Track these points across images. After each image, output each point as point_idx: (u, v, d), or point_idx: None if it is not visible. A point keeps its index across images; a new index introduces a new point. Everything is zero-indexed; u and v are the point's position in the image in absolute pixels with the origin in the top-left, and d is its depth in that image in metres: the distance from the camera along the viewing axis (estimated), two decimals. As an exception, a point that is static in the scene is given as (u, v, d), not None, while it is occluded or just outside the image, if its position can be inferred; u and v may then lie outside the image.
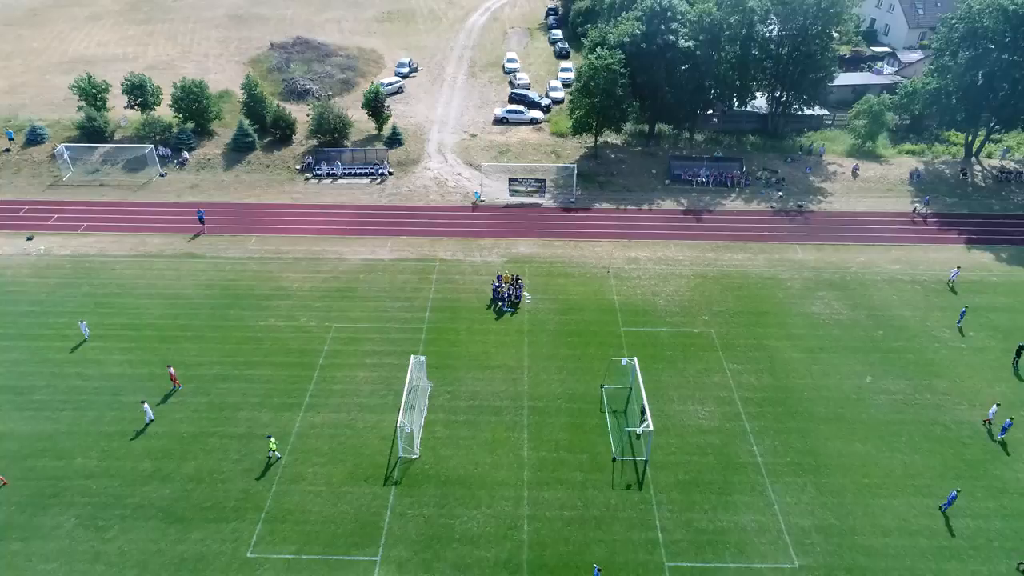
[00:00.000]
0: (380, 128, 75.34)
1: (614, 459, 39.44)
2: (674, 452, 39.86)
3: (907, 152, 73.89)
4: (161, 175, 69.34)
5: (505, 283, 52.41)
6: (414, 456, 39.58)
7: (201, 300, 52.11)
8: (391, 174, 69.62)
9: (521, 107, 79.82)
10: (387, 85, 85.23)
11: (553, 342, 48.06)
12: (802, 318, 50.49)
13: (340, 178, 69.22)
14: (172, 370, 43.92)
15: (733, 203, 65.83)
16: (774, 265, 56.56)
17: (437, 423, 41.80)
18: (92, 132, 72.03)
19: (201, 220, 60.27)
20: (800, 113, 76.78)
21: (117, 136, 73.84)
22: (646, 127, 76.70)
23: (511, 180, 64.91)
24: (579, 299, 52.30)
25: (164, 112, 74.36)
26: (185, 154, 71.03)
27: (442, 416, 42.27)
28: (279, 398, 43.66)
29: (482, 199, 65.35)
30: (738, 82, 72.31)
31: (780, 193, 66.83)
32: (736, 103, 74.25)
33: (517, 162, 70.12)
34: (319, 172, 69.33)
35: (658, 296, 52.66)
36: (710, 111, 78.78)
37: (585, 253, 57.87)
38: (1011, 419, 40.50)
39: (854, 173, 69.86)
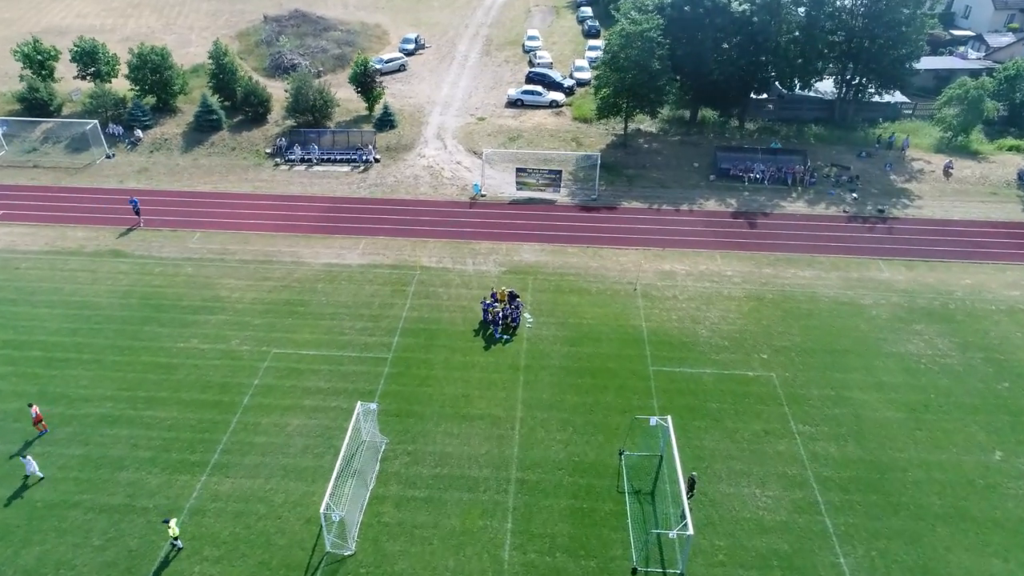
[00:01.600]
0: (371, 108, 63.82)
1: (635, 571, 27.10)
2: (722, 562, 27.38)
3: (1010, 148, 60.10)
4: (108, 156, 58.67)
5: (500, 301, 40.38)
6: (347, 553, 27.69)
7: (113, 311, 40.87)
8: (377, 161, 57.98)
9: (539, 88, 67.66)
10: (387, 61, 74.17)
11: (557, 384, 35.84)
12: (895, 361, 37.51)
13: (316, 164, 57.80)
14: (35, 409, 32.58)
15: (794, 205, 52.83)
16: (852, 286, 43.57)
17: (387, 500, 29.85)
18: (35, 105, 61.62)
19: (136, 211, 49.18)
20: (874, 100, 63.38)
21: (67, 111, 63.38)
22: (687, 112, 64.04)
23: (519, 171, 52.78)
24: (595, 325, 39.98)
25: (123, 85, 63.73)
26: (138, 133, 60.25)
27: (395, 490, 30.31)
28: (179, 453, 32.09)
29: (483, 193, 53.32)
30: (800, 59, 59.17)
31: (854, 194, 53.68)
32: (798, 85, 61.10)
33: (529, 149, 57.99)
34: (292, 157, 57.99)
35: (700, 324, 40.11)
36: (764, 95, 65.79)
37: (606, 263, 45.50)
38: None
39: (946, 172, 56.39)
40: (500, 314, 39.35)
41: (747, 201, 53.11)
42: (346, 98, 65.05)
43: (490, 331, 39.42)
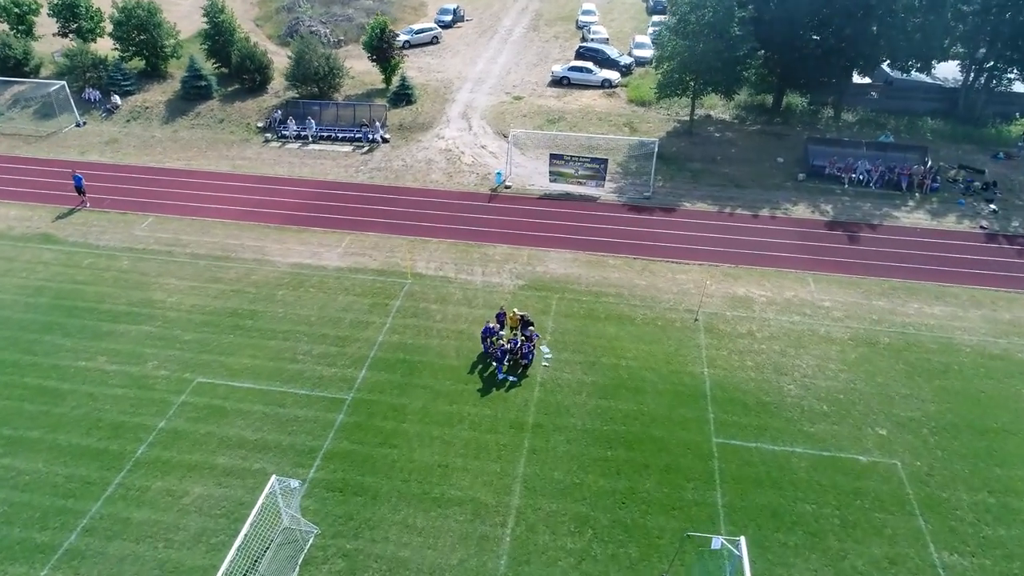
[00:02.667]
0: (387, 80, 53.84)
1: None
2: None
3: None
4: (78, 125, 50.24)
5: (511, 328, 29.66)
6: None
7: (13, 313, 31.74)
8: (385, 141, 47.88)
9: (590, 65, 56.50)
10: (417, 32, 64.46)
11: (576, 457, 24.93)
12: (1084, 452, 25.31)
13: (313, 142, 48.03)
14: None
15: (912, 216, 40.42)
16: (1003, 332, 31.25)
17: (296, 636, 19.49)
18: (7, 65, 53.69)
19: (79, 188, 40.19)
20: (1012, 90, 50.17)
21: (46, 73, 55.38)
22: (768, 97, 52.03)
23: (554, 158, 41.87)
24: (637, 368, 28.84)
25: (110, 45, 55.41)
26: (115, 99, 51.64)
27: (311, 619, 19.93)
28: (24, 528, 22.43)
29: (507, 184, 42.62)
30: (920, 34, 46.50)
31: (992, 206, 40.97)
32: (916, 67, 48.40)
33: (569, 132, 47.02)
34: (285, 133, 48.39)
35: (786, 376, 28.54)
36: (867, 79, 53.25)
37: (658, 282, 34.21)
38: None
39: (1117, 182, 43.10)
40: (506, 346, 28.59)
41: (848, 208, 40.94)
42: (364, 71, 55.35)
43: (492, 369, 28.72)
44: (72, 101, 50.33)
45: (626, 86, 55.54)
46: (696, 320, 31.52)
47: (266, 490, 20.95)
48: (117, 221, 39.13)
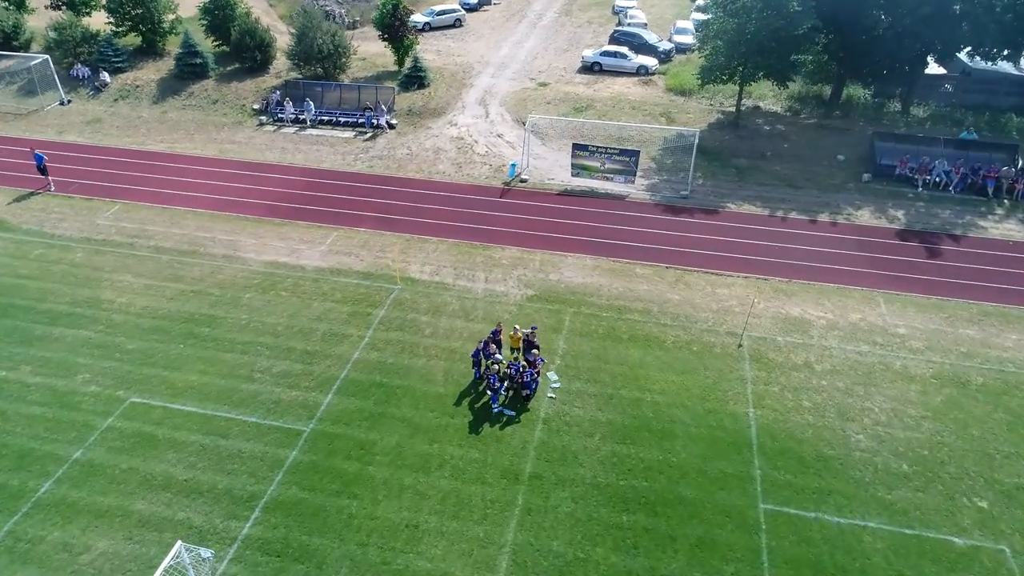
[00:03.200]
0: (400, 62, 48.89)
1: None
2: None
3: None
4: (63, 103, 46.21)
5: (513, 346, 24.30)
6: None
7: (-61, 310, 27.41)
8: (392, 127, 42.87)
9: (624, 49, 50.82)
10: (438, 14, 59.68)
11: (583, 522, 19.48)
12: None
13: (312, 126, 43.24)
14: None
15: (1002, 226, 34.01)
16: None
17: None
18: (-4, 38, 50.09)
19: (40, 169, 35.90)
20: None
21: (37, 47, 51.57)
22: (826, 88, 45.81)
23: (577, 148, 36.34)
24: (666, 406, 23.25)
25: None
26: (104, 76, 47.49)
27: None
28: None
29: (522, 177, 37.24)
30: (1010, 16, 39.90)
31: (1099, 216, 34.38)
32: (1003, 54, 41.79)
33: (597, 120, 41.46)
34: (282, 116, 43.67)
35: (854, 421, 22.68)
36: (942, 69, 46.73)
37: (695, 297, 28.51)
38: None
39: None
40: (501, 372, 23.23)
41: (923, 215, 34.69)
42: (377, 53, 50.57)
43: (485, 399, 23.40)
44: (57, 78, 46.30)
45: (664, 74, 49.76)
46: (740, 346, 25.79)
47: (167, 560, 15.93)
48: (80, 208, 34.70)
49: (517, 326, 24.58)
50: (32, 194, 35.81)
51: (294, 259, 30.71)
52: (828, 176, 37.59)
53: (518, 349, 24.11)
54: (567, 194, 35.93)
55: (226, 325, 26.84)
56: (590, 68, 50.67)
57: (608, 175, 35.88)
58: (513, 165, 37.52)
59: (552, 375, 24.38)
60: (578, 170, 36.25)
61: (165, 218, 33.77)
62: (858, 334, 26.47)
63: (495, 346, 23.77)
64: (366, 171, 38.14)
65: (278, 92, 45.11)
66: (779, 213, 34.47)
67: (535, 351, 23.41)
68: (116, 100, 46.50)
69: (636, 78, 49.16)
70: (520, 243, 31.86)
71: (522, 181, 36.89)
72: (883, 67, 42.44)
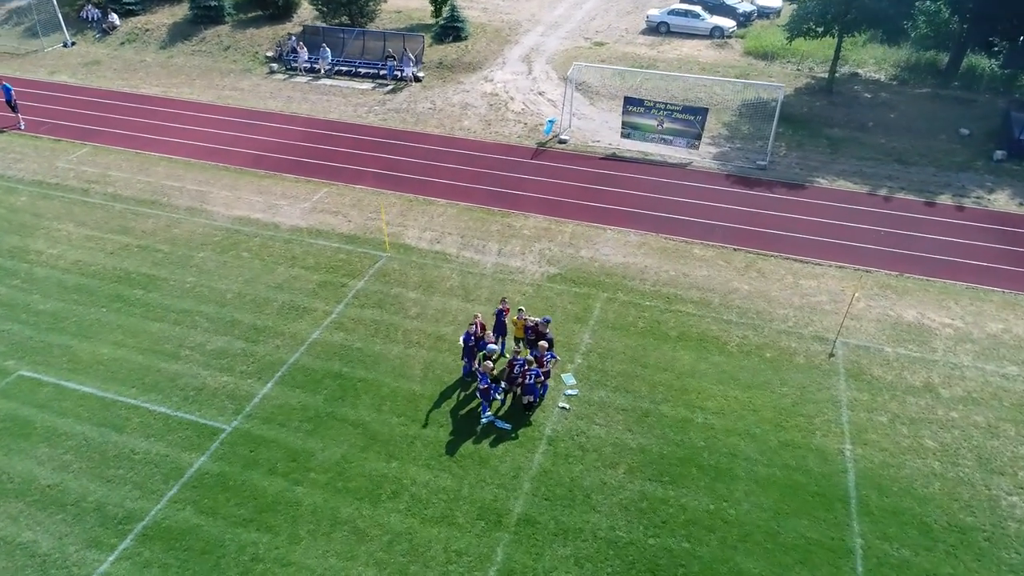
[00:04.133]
0: (437, 11, 43.02)
1: None
2: None
3: None
4: (66, 44, 42.04)
5: (516, 335, 17.90)
6: None
7: None
8: (417, 80, 36.96)
9: (697, 8, 43.73)
10: (490, -30, 53.21)
11: (586, 599, 13.05)
12: None
13: (327, 76, 37.71)
14: None
15: None
16: None
17: None
18: (10, -23, 46.46)
19: (9, 103, 31.34)
20: None
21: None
22: (943, 56, 37.73)
23: (629, 103, 29.53)
24: (724, 431, 16.48)
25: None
26: (113, 18, 43.14)
27: None
28: None
29: (560, 136, 30.73)
30: None
31: None
32: None
33: (654, 70, 34.66)
34: (295, 64, 38.30)
35: (1002, 475, 15.44)
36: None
37: (770, 288, 21.48)
38: None
39: None
40: (489, 381, 16.88)
41: (1076, 205, 26.71)
42: (415, 7, 44.87)
43: (475, 404, 17.10)
44: (60, 17, 42.09)
45: (743, 37, 42.46)
46: (832, 355, 18.78)
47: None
48: (45, 149, 29.92)
49: (523, 309, 18.15)
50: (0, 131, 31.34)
51: (269, 216, 25.04)
52: (948, 152, 29.82)
53: (522, 339, 17.72)
54: (614, 158, 29.27)
55: (165, 288, 21.30)
56: (655, 29, 43.74)
57: (666, 137, 29.05)
58: (550, 122, 31.08)
59: (568, 378, 17.92)
60: (629, 130, 29.53)
61: (134, 164, 28.65)
62: (1000, 350, 19.07)
63: (491, 333, 17.45)
64: (377, 124, 32.28)
65: (293, 38, 39.76)
66: (881, 191, 27.01)
67: (544, 343, 16.91)
68: (122, 44, 42.03)
69: (710, 40, 42.03)
70: (548, 211, 25.43)
71: (560, 142, 30.40)
72: (1013, 30, 34.26)
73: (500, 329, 18.21)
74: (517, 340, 17.91)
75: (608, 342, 19.17)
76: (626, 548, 13.91)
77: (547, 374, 16.82)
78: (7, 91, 30.93)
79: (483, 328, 17.54)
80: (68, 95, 35.16)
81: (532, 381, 16.50)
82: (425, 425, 16.63)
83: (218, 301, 20.74)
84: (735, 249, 23.37)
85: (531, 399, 16.85)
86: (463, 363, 17.87)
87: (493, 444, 16.17)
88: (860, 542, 14.06)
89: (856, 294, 19.62)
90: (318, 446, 16.07)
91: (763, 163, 28.72)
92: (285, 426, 16.59)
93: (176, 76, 37.84)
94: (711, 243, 23.67)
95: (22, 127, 31.46)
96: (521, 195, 26.44)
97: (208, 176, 27.72)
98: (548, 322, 17.58)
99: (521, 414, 16.89)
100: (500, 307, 18.29)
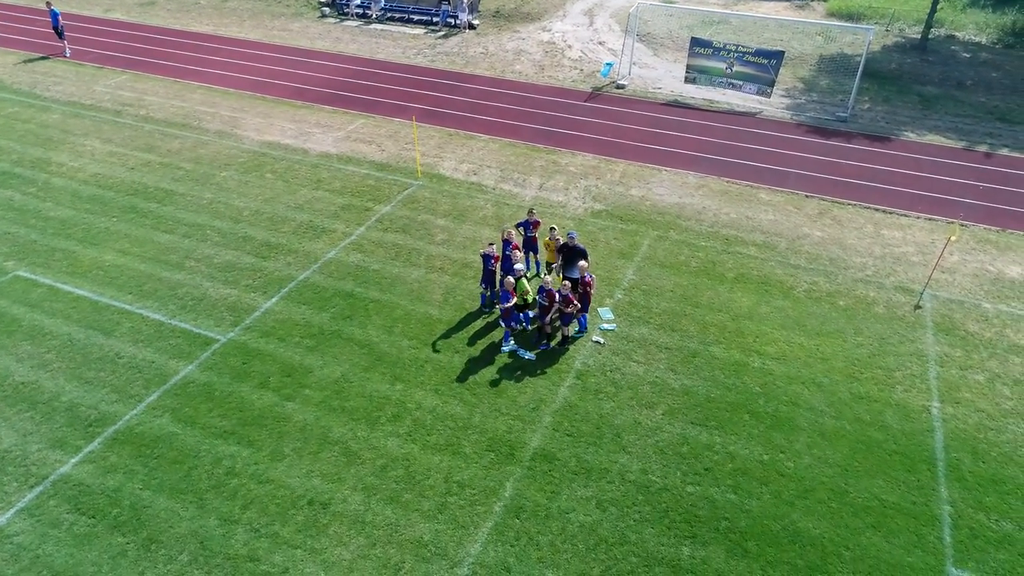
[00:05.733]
0: (498, -36, 41.06)
1: None
2: None
3: None
4: (126, -12, 41.74)
5: (549, 259, 15.80)
6: None
7: None
8: (472, 27, 35.11)
9: (777, -31, 40.61)
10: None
11: (606, 549, 10.86)
12: None
13: (379, 21, 36.21)
14: None
15: None
16: None
17: None
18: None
19: (58, 32, 30.78)
20: None
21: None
22: (1055, 20, 33.84)
23: (696, 44, 26.91)
24: (784, 378, 14.03)
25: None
26: (173, -37, 42.68)
27: None
28: None
29: (618, 81, 28.32)
30: None
31: None
32: None
33: (734, 32, 31.95)
34: (347, 8, 36.92)
35: None
36: None
37: (847, 236, 18.74)
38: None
39: None
40: (522, 293, 14.77)
41: None
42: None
43: (498, 333, 15.06)
44: (125, -42, 41.84)
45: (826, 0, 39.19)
46: (918, 307, 16.03)
47: None
48: (85, 75, 29.19)
49: (555, 228, 15.89)
50: (44, 58, 30.77)
51: (299, 142, 23.51)
52: (1057, 113, 26.30)
53: (555, 265, 15.55)
54: (675, 104, 26.75)
55: (181, 203, 19.94)
56: (730, -11, 40.84)
57: (735, 82, 26.39)
58: (608, 65, 28.78)
59: (606, 312, 15.69)
60: (695, 73, 26.97)
61: (171, 91, 27.61)
62: (1125, 314, 15.98)
63: (519, 251, 15.35)
64: (426, 64, 30.53)
65: (350, -16, 38.41)
66: (982, 148, 23.79)
67: (583, 263, 14.64)
68: (180, -13, 41.49)
69: (788, 2, 38.90)
70: (599, 150, 23.17)
71: (618, 87, 28.04)
72: None
73: (529, 245, 16.09)
74: (549, 266, 15.80)
75: (655, 279, 16.85)
76: (659, 494, 11.66)
77: (581, 305, 14.49)
78: (54, 16, 30.33)
79: (515, 247, 15.43)
80: (119, 30, 34.56)
81: (565, 312, 14.25)
82: (437, 350, 14.68)
83: (233, 217, 19.24)
84: (807, 196, 20.67)
85: (572, 333, 14.68)
86: (481, 289, 15.79)
87: (513, 374, 14.10)
88: (949, 509, 11.46)
89: (953, 237, 16.74)
90: (317, 363, 14.30)
91: (844, 115, 25.77)
92: (284, 341, 14.88)
93: (227, 17, 36.92)
94: (780, 188, 21.03)
95: (67, 55, 30.90)
96: (571, 134, 24.25)
97: (244, 104, 26.42)
98: (574, 237, 15.20)
99: (548, 342, 14.76)
100: (527, 219, 16.09)
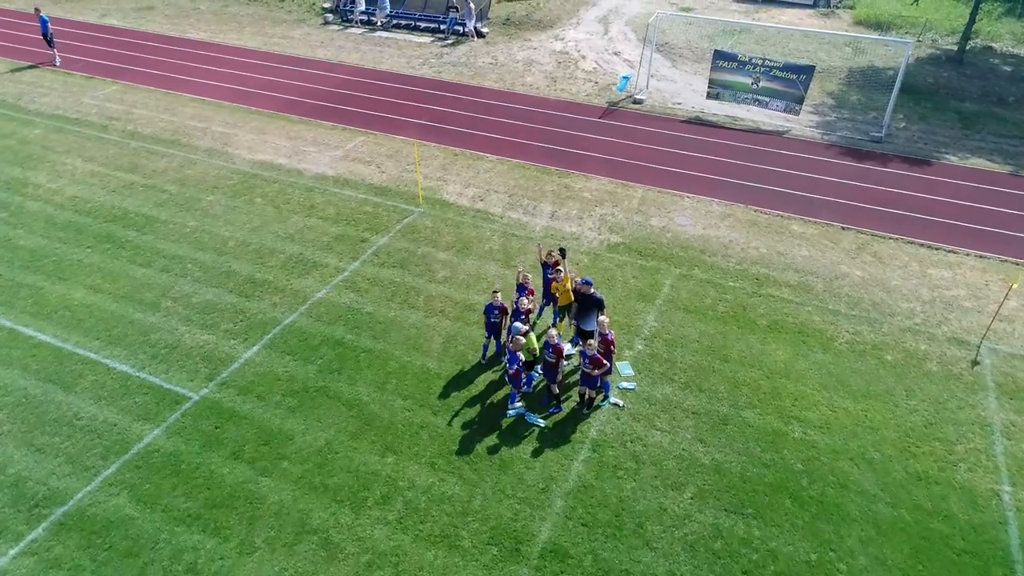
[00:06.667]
0: (509, -31, 39.40)
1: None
2: None
3: None
4: (123, -8, 40.34)
5: (561, 301, 14.08)
6: None
7: None
8: (480, 35, 33.45)
9: (801, -26, 38.80)
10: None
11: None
12: None
13: (384, 28, 34.60)
14: None
15: None
16: None
17: None
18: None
19: (46, 38, 29.33)
20: None
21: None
22: (1100, 30, 31.90)
23: (719, 57, 25.06)
24: (829, 452, 12.28)
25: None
26: (172, -35, 41.25)
27: None
28: None
29: (635, 96, 26.54)
30: None
31: None
32: None
33: (757, 43, 30.19)
34: (351, 16, 35.31)
35: None
36: None
37: (890, 276, 16.94)
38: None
39: None
40: (529, 348, 13.09)
41: None
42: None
43: (501, 392, 13.38)
44: (122, -38, 40.45)
45: (852, 7, 37.33)
46: (976, 364, 14.25)
47: None
48: (74, 85, 27.72)
49: (561, 269, 14.11)
50: (32, 67, 29.34)
51: (294, 162, 21.92)
52: (1112, 134, 24.39)
53: (566, 309, 13.89)
54: (696, 122, 24.99)
55: (162, 231, 18.38)
56: (752, -6, 39.05)
57: (762, 98, 24.59)
58: (624, 78, 27.04)
59: (625, 367, 14.01)
60: (718, 89, 25.17)
61: (161, 103, 26.07)
62: None
63: (528, 296, 13.67)
64: (431, 76, 28.88)
65: (353, -11, 36.83)
66: (1033, 174, 21.95)
67: (604, 319, 12.93)
68: (180, -9, 40.04)
69: (814, 9, 37.06)
70: (615, 173, 21.45)
71: (635, 102, 26.30)
72: None
73: (546, 291, 14.38)
74: (560, 311, 14.15)
75: (679, 327, 15.14)
76: (689, 604, 9.98)
77: (602, 359, 12.76)
78: (43, 23, 28.89)
79: (531, 293, 13.76)
80: (112, 36, 33.11)
81: (588, 366, 12.53)
82: (435, 412, 13.03)
83: (217, 249, 17.65)
84: (843, 228, 18.89)
85: (595, 394, 13.01)
86: (486, 341, 14.13)
87: (520, 444, 12.44)
88: (1034, 630, 9.73)
89: (1014, 285, 14.96)
90: (299, 427, 12.68)
91: (878, 135, 23.94)
92: (264, 399, 13.26)
93: (227, 23, 35.39)
94: (814, 218, 19.26)
95: (57, 63, 29.46)
96: (584, 155, 22.54)
97: (237, 119, 24.85)
98: (589, 283, 13.51)
99: (555, 403, 13.10)
100: (545, 258, 14.32)
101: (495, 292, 13.63)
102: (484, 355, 14.15)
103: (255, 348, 14.50)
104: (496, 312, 13.48)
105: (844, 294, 16.29)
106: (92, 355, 14.29)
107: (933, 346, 14.75)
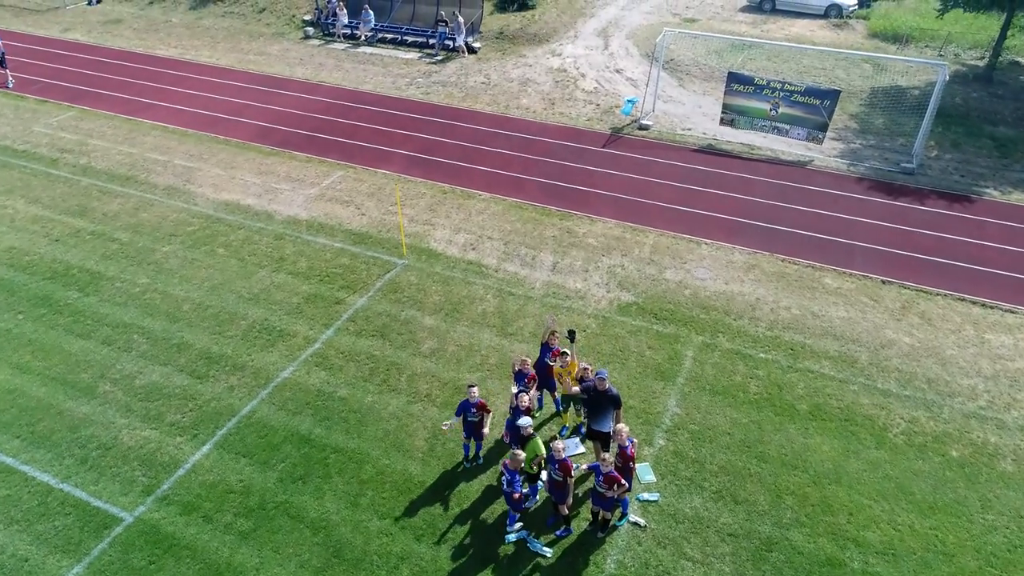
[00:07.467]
0: (502, -22, 37.15)
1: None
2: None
3: None
4: (91, 2, 37.96)
5: (563, 390, 11.83)
6: None
7: None
8: (472, 51, 31.16)
9: (810, -18, 36.65)
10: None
11: None
12: None
13: (368, 43, 32.28)
14: None
15: None
16: None
17: None
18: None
19: (-1, 60, 27.03)
20: None
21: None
22: None
23: (735, 80, 22.83)
24: (902, 591, 10.08)
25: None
26: (143, -26, 38.89)
27: None
28: None
29: (641, 121, 24.29)
30: None
31: None
32: None
33: (768, 59, 28.04)
34: (333, 29, 32.96)
35: None
36: None
37: (944, 342, 14.74)
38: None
39: None
40: (529, 462, 10.79)
41: None
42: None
43: (496, 509, 11.10)
44: (89, -28, 38.10)
45: (866, 18, 35.18)
46: (1059, 462, 12.08)
47: None
48: (26, 110, 25.32)
49: (568, 352, 11.87)
50: (-17, 90, 26.99)
51: (264, 202, 19.60)
52: None
53: (576, 403, 11.66)
54: (709, 151, 22.77)
55: (107, 292, 16.04)
56: (758, 6, 36.83)
57: (781, 126, 22.39)
58: (630, 101, 24.85)
59: (645, 470, 11.77)
60: (733, 115, 22.95)
61: (120, 132, 23.70)
62: None
63: (529, 383, 11.43)
64: (419, 98, 26.59)
65: (333, 1, 34.46)
66: (1086, 212, 19.81)
67: (623, 427, 10.64)
68: (151, 3, 37.60)
69: (825, 20, 34.92)
70: (623, 215, 19.21)
71: (641, 127, 24.07)
72: None
73: (545, 377, 12.12)
74: (564, 403, 11.94)
75: (706, 414, 12.91)
76: None
77: (619, 476, 10.45)
78: (-5, 47, 26.56)
79: (532, 379, 11.57)
80: (73, 54, 30.73)
81: (602, 486, 10.27)
82: (419, 536, 10.76)
83: (169, 314, 15.34)
84: (884, 281, 16.69)
85: (614, 514, 10.75)
86: (464, 443, 11.88)
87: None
88: None
89: (1100, 368, 12.85)
90: (252, 561, 10.39)
91: (910, 166, 21.78)
92: (212, 521, 10.96)
93: (199, 38, 33.02)
94: (848, 270, 17.06)
95: (10, 85, 27.07)
96: (588, 192, 20.30)
97: (203, 149, 22.51)
98: (604, 378, 11.27)
99: (565, 528, 10.86)
100: (547, 340, 12.12)
101: (471, 387, 11.31)
102: (467, 456, 11.91)
103: (205, 448, 12.20)
104: (473, 411, 11.20)
105: (893, 367, 14.09)
106: (9, 460, 11.98)
107: (1004, 437, 12.57)
